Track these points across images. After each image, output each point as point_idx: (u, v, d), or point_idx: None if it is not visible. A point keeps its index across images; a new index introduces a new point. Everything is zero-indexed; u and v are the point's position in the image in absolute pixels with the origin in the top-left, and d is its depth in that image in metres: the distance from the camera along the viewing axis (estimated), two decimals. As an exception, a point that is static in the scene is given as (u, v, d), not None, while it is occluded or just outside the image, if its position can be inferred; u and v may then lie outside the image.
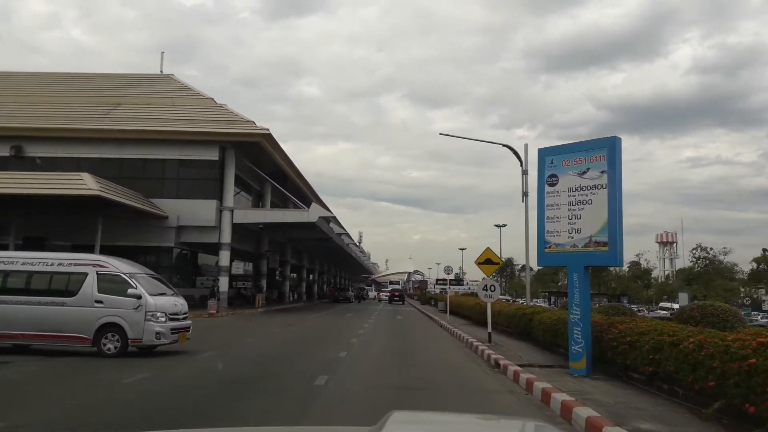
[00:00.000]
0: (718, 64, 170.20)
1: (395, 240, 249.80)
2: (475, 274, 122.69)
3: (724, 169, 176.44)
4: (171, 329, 11.57)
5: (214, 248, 30.96)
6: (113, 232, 28.11)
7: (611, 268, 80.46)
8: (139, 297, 11.31)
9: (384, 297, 74.15)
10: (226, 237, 30.39)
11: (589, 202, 9.51)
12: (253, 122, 30.23)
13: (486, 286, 14.80)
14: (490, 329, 14.71)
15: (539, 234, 10.19)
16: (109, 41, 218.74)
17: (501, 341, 15.00)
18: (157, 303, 11.48)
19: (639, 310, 52.07)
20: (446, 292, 34.32)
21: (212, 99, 34.34)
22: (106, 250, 29.08)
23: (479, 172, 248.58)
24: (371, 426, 1.99)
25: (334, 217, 30.88)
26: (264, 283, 39.22)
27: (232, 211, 30.59)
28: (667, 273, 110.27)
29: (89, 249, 24.89)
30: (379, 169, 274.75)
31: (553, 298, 75.47)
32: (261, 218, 30.66)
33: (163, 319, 11.45)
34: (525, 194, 22.48)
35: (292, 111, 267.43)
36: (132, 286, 11.38)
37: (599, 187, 9.40)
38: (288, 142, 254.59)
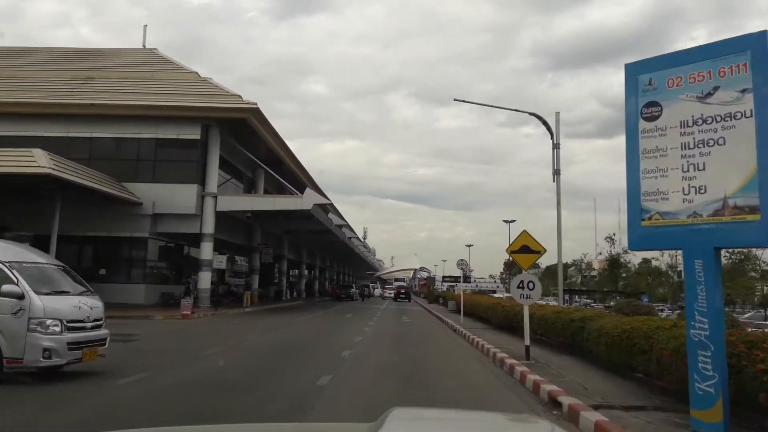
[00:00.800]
0: None
1: (401, 237, 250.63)
2: (481, 272, 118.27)
3: None
4: (70, 343, 7.89)
5: (195, 239, 27.34)
6: (79, 221, 24.61)
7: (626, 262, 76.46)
8: (19, 296, 7.64)
9: (389, 294, 70.87)
10: (209, 226, 26.75)
11: (720, 141, 5.75)
12: (240, 96, 26.53)
13: (522, 282, 11.02)
14: (528, 342, 10.93)
15: (630, 199, 6.43)
16: (116, 40, 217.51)
17: (541, 356, 11.24)
18: (48, 306, 7.80)
19: (660, 309, 48.33)
20: (457, 290, 30.66)
21: (196, 73, 30.71)
22: (70, 241, 25.61)
23: (486, 169, 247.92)
24: (372, 422, 1.98)
25: (332, 204, 27.20)
26: (256, 279, 35.58)
27: (216, 197, 26.95)
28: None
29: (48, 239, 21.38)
30: (385, 167, 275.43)
31: (566, 296, 71.63)
32: (248, 205, 27.01)
33: (57, 329, 7.78)
34: (557, 173, 18.77)
35: (299, 109, 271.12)
36: (11, 281, 7.72)
37: (738, 115, 5.65)
38: (295, 140, 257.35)
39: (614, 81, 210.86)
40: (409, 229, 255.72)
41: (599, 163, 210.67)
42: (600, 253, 65.97)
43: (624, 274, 64.94)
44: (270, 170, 32.99)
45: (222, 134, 27.50)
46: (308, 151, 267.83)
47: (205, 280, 26.68)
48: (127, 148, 26.94)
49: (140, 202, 25.87)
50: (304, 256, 52.98)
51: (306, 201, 26.60)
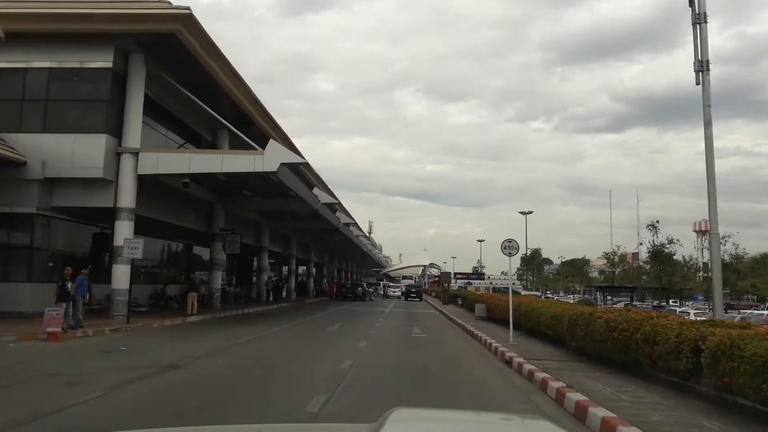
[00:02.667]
0: (737, 54, 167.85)
1: (409, 235, 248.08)
2: (492, 269, 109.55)
3: (744, 161, 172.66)
4: None
5: (106, 216, 18.73)
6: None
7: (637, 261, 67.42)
8: None
9: (393, 293, 61.95)
10: (127, 198, 18.21)
11: None
12: (169, 2, 17.81)
13: None
14: None
15: None
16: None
17: None
18: None
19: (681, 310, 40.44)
20: (505, 290, 21.96)
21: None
22: None
23: (495, 165, 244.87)
24: (373, 423, 1.94)
25: (306, 164, 18.52)
26: (217, 276, 26.94)
27: (137, 154, 18.35)
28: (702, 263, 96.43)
29: None
30: (393, 164, 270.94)
31: (599, 295, 62.57)
32: (184, 165, 18.29)
33: None
34: (702, 68, 9.87)
35: (307, 106, 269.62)
36: None
37: None
38: (304, 137, 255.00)
39: (625, 75, 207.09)
40: (417, 226, 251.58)
41: (610, 157, 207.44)
42: (641, 244, 56.77)
43: (669, 267, 55.76)
44: (236, 131, 24.17)
45: (149, 64, 18.90)
46: (316, 148, 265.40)
47: (122, 277, 18.09)
48: (7, 82, 18.39)
49: (23, 161, 17.37)
50: (294, 248, 44.33)
51: (270, 159, 17.89)
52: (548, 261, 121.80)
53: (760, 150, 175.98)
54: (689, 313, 38.12)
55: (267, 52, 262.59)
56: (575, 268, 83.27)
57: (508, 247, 14.30)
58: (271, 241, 37.23)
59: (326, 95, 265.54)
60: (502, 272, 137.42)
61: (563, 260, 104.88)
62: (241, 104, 23.38)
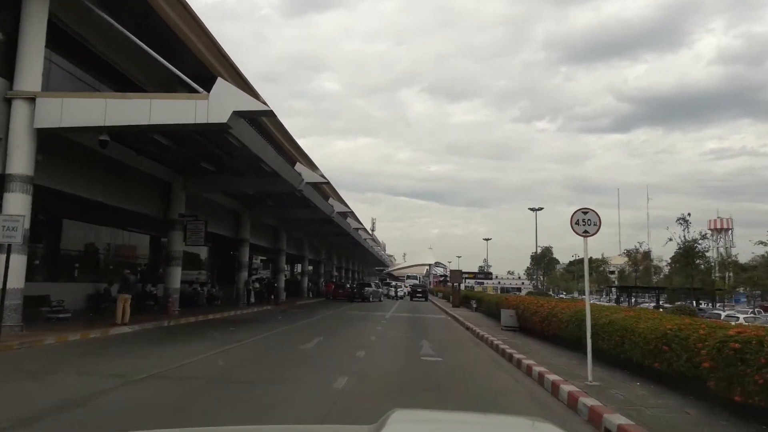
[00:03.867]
0: (743, 53, 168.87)
1: (413, 235, 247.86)
2: (499, 269, 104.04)
3: (749, 161, 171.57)
4: None
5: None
6: None
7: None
8: None
9: (395, 293, 57.32)
10: (21, 161, 12.88)
11: None
12: None
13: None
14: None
15: None
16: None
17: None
18: None
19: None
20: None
21: None
22: None
23: (499, 165, 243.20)
24: (373, 424, 1.92)
25: (272, 113, 13.17)
26: (176, 274, 21.55)
27: (35, 99, 12.99)
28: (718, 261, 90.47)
29: None
30: (397, 164, 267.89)
31: (621, 296, 56.92)
32: (98, 115, 12.77)
33: None
34: None
35: (311, 106, 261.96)
36: None
37: None
38: (308, 138, 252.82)
39: (630, 74, 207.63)
40: (421, 226, 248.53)
41: (615, 157, 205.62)
42: (670, 239, 50.98)
43: (702, 265, 49.98)
44: (198, 87, 18.63)
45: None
46: (320, 148, 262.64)
47: (14, 273, 12.71)
48: None
49: None
50: (284, 243, 38.96)
51: (218, 105, 12.48)
52: (555, 261, 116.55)
53: (767, 150, 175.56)
54: (738, 317, 32.66)
55: (271, 52, 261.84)
56: (597, 265, 77.29)
57: (584, 221, 8.72)
58: (255, 233, 31.91)
59: (330, 95, 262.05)
60: (508, 272, 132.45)
61: (577, 258, 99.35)
62: (202, 57, 17.94)
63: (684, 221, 51.73)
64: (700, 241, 49.78)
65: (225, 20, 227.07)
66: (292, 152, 28.03)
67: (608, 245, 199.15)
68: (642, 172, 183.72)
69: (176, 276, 21.51)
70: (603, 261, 72.54)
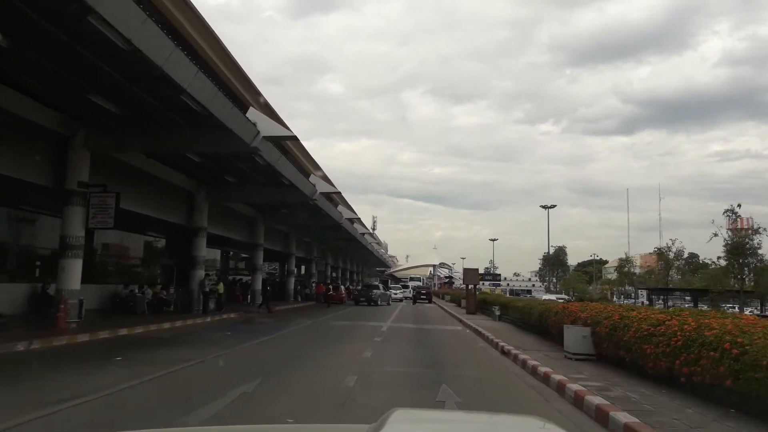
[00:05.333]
0: (748, 55, 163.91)
1: (417, 237, 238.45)
2: (504, 271, 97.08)
3: (754, 163, 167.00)
4: None
5: None
6: None
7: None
8: None
9: (395, 295, 51.74)
10: None
11: None
12: None
13: None
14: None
15: None
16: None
17: None
18: None
19: None
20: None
21: None
22: None
23: (502, 167, 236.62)
24: (373, 423, 1.87)
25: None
26: (71, 266, 14.65)
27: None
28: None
29: None
30: (400, 166, 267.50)
31: (653, 299, 50.20)
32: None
33: None
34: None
35: (315, 108, 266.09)
36: None
37: None
38: (311, 140, 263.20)
39: (634, 76, 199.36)
40: (425, 228, 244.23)
41: (619, 159, 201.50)
42: (716, 234, 43.91)
43: (755, 264, 43.01)
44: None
45: None
46: (324, 150, 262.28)
47: None
48: None
49: None
50: (261, 236, 31.99)
51: None
52: (565, 264, 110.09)
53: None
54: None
55: (275, 53, 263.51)
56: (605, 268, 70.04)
57: None
58: (218, 221, 25.05)
59: (334, 97, 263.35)
60: (515, 273, 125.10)
61: (596, 257, 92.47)
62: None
63: (732, 213, 44.91)
64: (752, 236, 42.89)
65: (230, 22, 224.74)
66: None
67: (615, 248, 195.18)
68: (646, 174, 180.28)
69: (73, 272, 14.64)
70: (627, 260, 65.49)
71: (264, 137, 15.27)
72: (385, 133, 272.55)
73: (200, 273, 23.13)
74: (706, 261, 60.41)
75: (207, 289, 23.16)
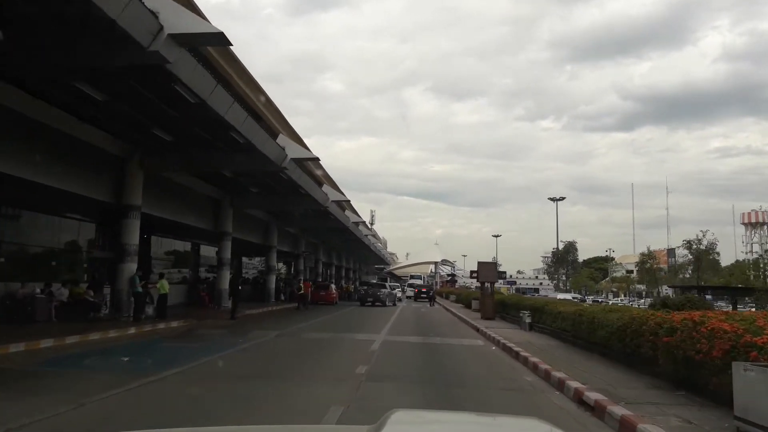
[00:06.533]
0: (748, 51, 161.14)
1: (417, 234, 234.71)
2: (507, 268, 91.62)
3: (754, 159, 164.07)
4: None
5: None
6: None
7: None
8: None
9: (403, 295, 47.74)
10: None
11: None
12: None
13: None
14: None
15: None
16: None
17: None
18: None
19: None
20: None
21: None
22: None
23: (503, 165, 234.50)
24: (373, 424, 1.84)
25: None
26: None
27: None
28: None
29: None
30: (401, 164, 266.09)
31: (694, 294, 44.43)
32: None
33: None
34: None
35: (315, 106, 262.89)
36: None
37: None
38: (312, 138, 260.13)
39: (634, 72, 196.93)
40: (425, 225, 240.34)
41: (619, 156, 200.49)
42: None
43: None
44: None
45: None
46: (325, 149, 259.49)
47: None
48: None
49: None
50: (229, 224, 26.10)
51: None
52: (572, 260, 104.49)
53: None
54: None
55: (275, 51, 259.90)
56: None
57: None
58: (165, 200, 19.25)
59: (334, 95, 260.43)
60: (518, 271, 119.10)
61: (611, 252, 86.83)
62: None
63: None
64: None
65: (229, 20, 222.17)
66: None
67: (616, 245, 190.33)
68: (646, 171, 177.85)
69: None
70: (649, 256, 59.63)
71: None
72: (386, 130, 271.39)
73: (130, 267, 17.27)
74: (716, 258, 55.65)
75: (139, 290, 17.30)
